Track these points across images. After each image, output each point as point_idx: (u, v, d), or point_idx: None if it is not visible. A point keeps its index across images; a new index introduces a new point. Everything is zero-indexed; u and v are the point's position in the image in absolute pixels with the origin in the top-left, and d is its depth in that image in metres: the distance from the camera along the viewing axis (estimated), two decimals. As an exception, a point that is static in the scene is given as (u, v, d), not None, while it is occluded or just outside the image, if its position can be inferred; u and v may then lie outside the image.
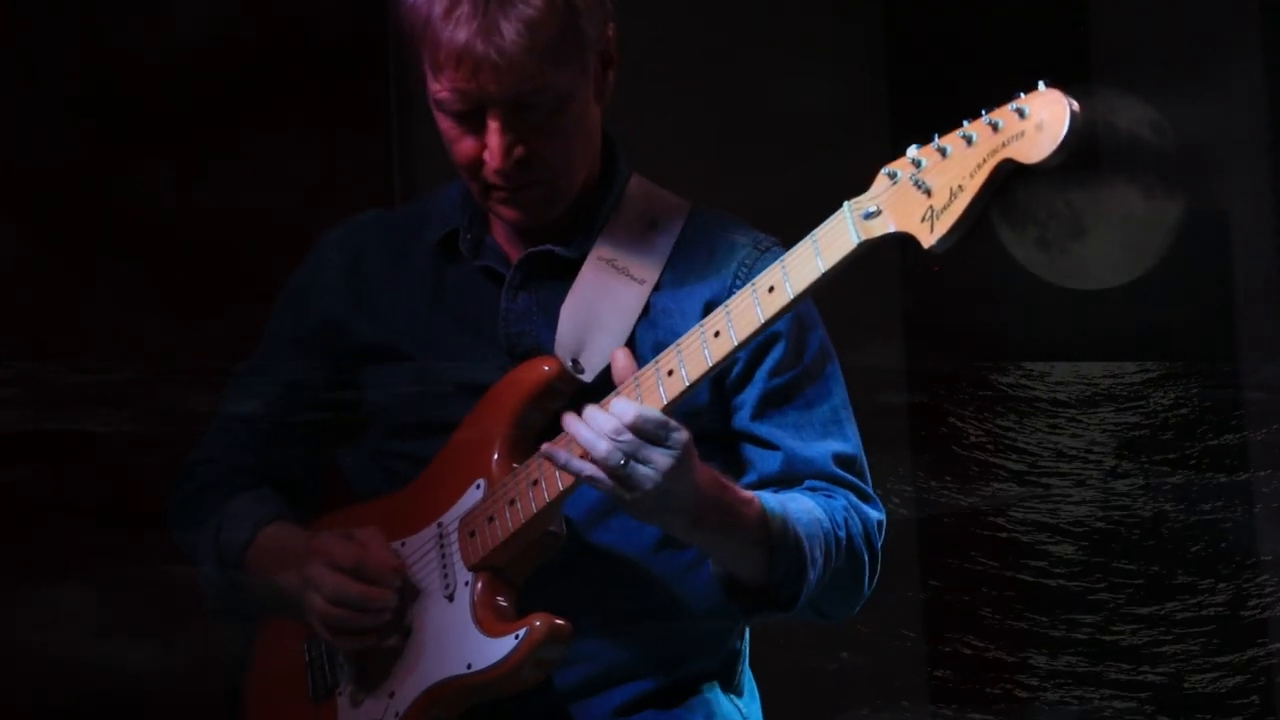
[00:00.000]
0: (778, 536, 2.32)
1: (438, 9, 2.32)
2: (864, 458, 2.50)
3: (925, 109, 4.10)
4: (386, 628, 2.40)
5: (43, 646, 3.19)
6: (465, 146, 2.40)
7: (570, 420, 2.27)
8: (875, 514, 2.47)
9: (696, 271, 2.47)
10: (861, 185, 2.18)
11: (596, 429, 2.23)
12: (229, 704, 2.63)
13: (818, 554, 2.35)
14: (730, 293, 2.41)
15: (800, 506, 2.38)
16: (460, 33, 2.31)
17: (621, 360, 2.31)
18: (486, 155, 2.37)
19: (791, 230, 2.28)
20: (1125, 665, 4.16)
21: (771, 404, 2.46)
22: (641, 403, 2.25)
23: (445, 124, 2.41)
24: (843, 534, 2.40)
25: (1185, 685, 4.15)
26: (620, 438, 2.21)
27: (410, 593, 2.41)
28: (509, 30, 2.30)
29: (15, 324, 3.35)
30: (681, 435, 2.23)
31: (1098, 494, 4.22)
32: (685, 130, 4.04)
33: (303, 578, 2.41)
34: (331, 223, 2.65)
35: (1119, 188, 4.19)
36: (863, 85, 4.33)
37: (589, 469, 2.23)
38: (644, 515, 2.28)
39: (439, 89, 2.37)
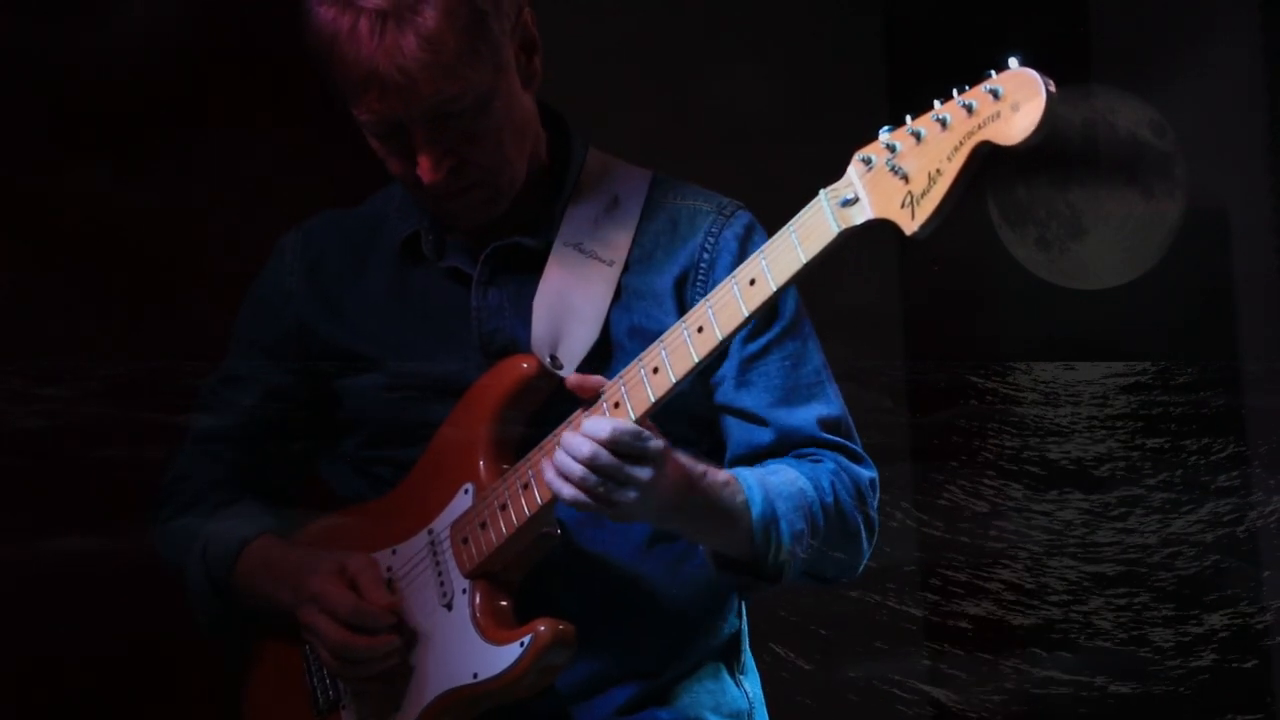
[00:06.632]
0: (758, 513, 2.30)
1: (339, 36, 2.28)
2: (849, 418, 2.47)
3: (924, 110, 4.08)
4: (392, 668, 2.39)
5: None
6: (396, 164, 2.37)
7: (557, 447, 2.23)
8: (866, 473, 2.44)
9: (664, 246, 2.45)
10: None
11: (573, 451, 2.20)
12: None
13: (801, 524, 2.33)
14: (699, 261, 2.41)
15: (782, 478, 2.35)
16: (363, 57, 2.27)
17: (578, 383, 2.27)
18: (419, 171, 2.33)
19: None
20: (1122, 656, 4.17)
21: (752, 374, 2.43)
22: (629, 400, 2.22)
23: (373, 144, 2.38)
24: (830, 499, 2.37)
25: (1182, 674, 4.15)
26: (598, 462, 2.18)
27: (407, 608, 2.39)
28: (409, 47, 2.25)
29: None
30: (658, 444, 2.20)
31: (1095, 492, 4.22)
32: (683, 126, 4.03)
33: (302, 625, 2.40)
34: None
35: (1119, 188, 4.19)
36: (862, 86, 4.32)
37: (569, 491, 2.21)
38: (624, 520, 2.26)
39: (358, 113, 2.34)
